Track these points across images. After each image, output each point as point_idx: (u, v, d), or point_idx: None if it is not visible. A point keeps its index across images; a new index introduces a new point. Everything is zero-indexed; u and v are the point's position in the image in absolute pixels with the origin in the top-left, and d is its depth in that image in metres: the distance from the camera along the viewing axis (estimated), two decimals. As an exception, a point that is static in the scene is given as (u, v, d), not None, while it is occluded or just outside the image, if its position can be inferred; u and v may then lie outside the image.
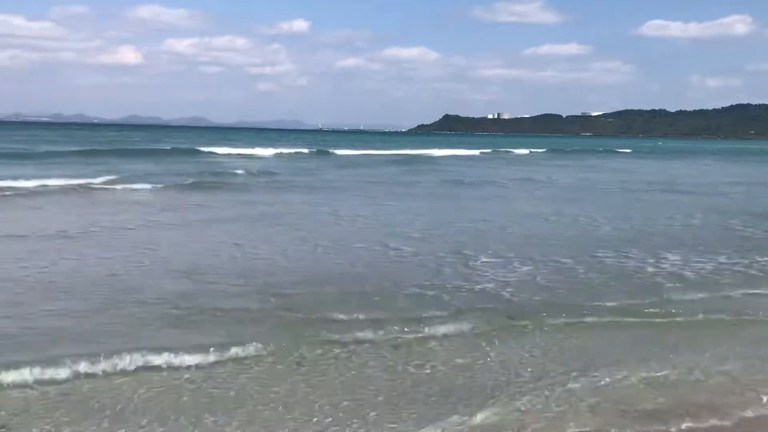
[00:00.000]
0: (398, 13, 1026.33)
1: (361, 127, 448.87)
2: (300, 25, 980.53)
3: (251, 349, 7.06)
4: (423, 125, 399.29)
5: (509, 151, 79.46)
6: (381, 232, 15.21)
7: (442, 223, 17.24)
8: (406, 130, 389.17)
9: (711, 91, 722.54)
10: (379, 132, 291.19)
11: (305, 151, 56.59)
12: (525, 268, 11.41)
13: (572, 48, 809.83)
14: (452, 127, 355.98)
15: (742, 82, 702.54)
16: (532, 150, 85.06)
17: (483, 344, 7.51)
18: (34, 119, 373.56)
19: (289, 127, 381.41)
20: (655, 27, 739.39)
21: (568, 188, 29.69)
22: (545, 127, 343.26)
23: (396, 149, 69.80)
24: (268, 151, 54.35)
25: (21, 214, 16.33)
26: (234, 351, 6.98)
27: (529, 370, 6.81)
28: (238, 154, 48.49)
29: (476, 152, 74.15)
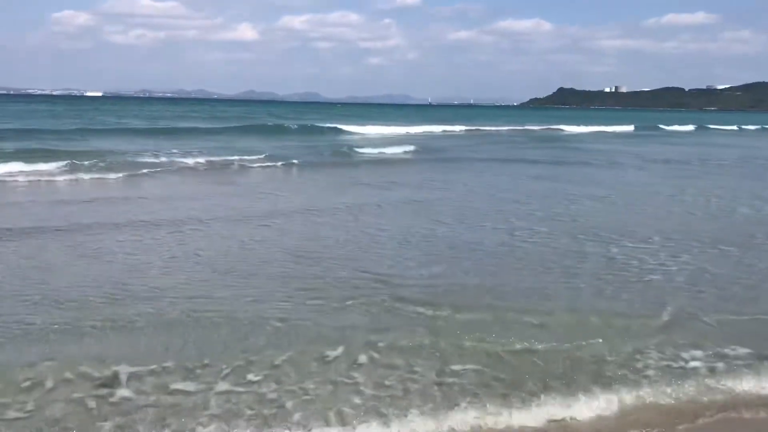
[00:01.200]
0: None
1: (471, 101, 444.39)
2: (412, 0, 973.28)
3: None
4: (536, 99, 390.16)
5: (663, 128, 68.66)
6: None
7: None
8: (518, 104, 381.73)
9: None
10: (491, 106, 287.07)
11: (457, 128, 52.68)
12: None
13: (699, 17, 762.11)
14: (566, 101, 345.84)
15: None
16: (714, 126, 74.82)
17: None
18: (159, 95, 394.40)
19: (397, 102, 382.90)
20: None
21: None
22: (666, 101, 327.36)
23: (527, 124, 66.33)
24: (415, 129, 49.10)
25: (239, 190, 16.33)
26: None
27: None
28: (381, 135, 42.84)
29: (629, 128, 63.84)
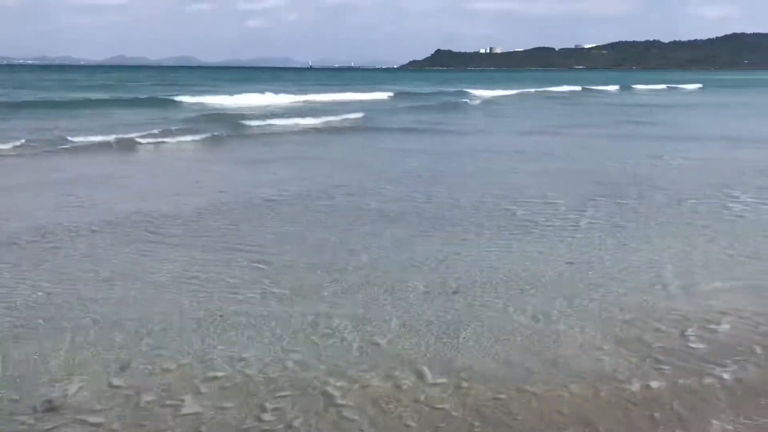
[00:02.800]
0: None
1: (352, 64, 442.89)
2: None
3: None
4: (415, 61, 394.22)
5: (600, 89, 67.97)
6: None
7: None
8: (398, 66, 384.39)
9: (707, 21, 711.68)
10: (372, 69, 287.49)
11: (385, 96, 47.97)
12: None
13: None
14: (444, 63, 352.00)
15: (739, 11, 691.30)
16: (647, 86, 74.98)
17: None
18: (20, 62, 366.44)
19: (278, 65, 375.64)
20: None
21: None
22: (538, 61, 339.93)
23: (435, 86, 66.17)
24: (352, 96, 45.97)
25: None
26: None
27: None
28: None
29: (564, 89, 63.47)
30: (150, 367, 5.10)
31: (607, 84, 78.15)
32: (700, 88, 77.45)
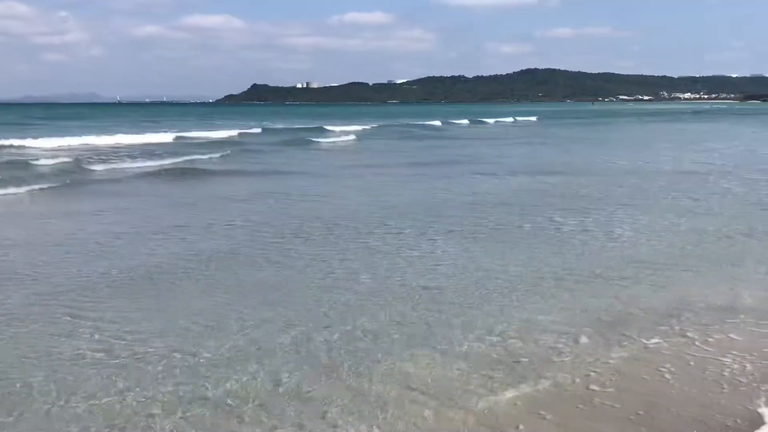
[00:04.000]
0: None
1: (164, 99, 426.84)
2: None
3: None
4: (231, 95, 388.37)
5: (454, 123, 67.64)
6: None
7: None
8: (214, 101, 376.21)
9: (504, 57, 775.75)
10: (185, 104, 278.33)
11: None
12: None
13: (378, 16, 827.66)
14: (262, 97, 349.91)
15: (532, 48, 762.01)
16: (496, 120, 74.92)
17: None
18: None
19: (83, 101, 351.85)
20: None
21: None
22: (353, 95, 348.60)
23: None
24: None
25: None
26: None
27: None
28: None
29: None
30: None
31: (459, 117, 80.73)
32: (537, 119, 79.60)
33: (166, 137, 38.52)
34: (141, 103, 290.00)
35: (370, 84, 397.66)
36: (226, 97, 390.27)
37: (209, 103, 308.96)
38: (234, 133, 43.80)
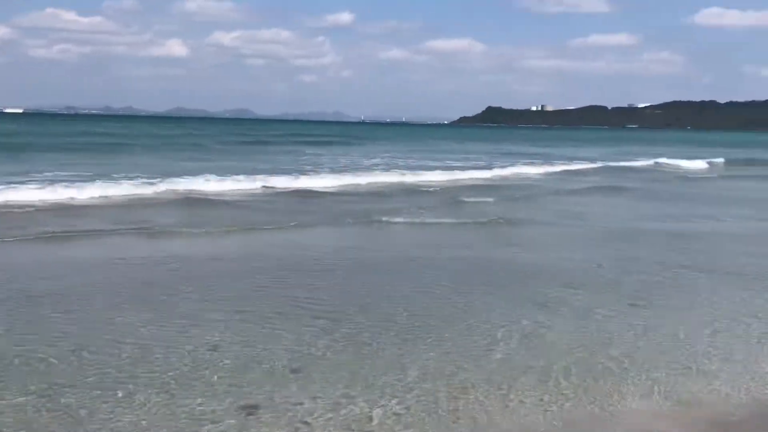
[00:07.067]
0: (445, 3, 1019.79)
1: (404, 119, 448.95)
2: (345, 17, 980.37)
3: None
4: (465, 117, 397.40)
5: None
6: None
7: None
8: (449, 122, 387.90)
9: (764, 81, 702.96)
10: (423, 124, 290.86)
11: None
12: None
13: (621, 38, 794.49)
14: (495, 119, 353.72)
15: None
16: None
17: None
18: (85, 112, 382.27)
19: (330, 119, 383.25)
20: (709, 15, 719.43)
21: None
22: (590, 119, 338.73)
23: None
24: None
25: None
26: None
27: None
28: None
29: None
30: None
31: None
32: None
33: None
34: (383, 122, 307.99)
35: (609, 108, 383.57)
36: (460, 119, 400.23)
37: (443, 125, 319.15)
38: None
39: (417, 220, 16.56)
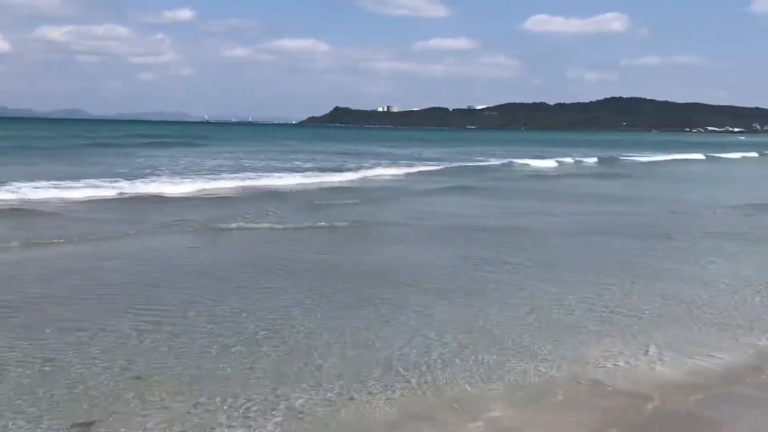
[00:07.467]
0: (286, 3, 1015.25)
1: (250, 119, 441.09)
2: (185, 14, 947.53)
3: None
4: (313, 117, 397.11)
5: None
6: None
7: None
8: (297, 122, 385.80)
9: (588, 84, 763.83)
10: (271, 124, 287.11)
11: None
12: None
13: (461, 42, 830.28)
14: (342, 120, 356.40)
15: (617, 76, 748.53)
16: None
17: None
18: None
19: (172, 119, 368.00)
20: (537, 22, 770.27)
21: None
22: (433, 120, 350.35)
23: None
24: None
25: None
26: None
27: None
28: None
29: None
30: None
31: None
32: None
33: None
34: (228, 123, 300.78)
35: (450, 109, 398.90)
36: (308, 119, 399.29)
37: (291, 125, 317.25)
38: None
39: (261, 225, 15.82)
